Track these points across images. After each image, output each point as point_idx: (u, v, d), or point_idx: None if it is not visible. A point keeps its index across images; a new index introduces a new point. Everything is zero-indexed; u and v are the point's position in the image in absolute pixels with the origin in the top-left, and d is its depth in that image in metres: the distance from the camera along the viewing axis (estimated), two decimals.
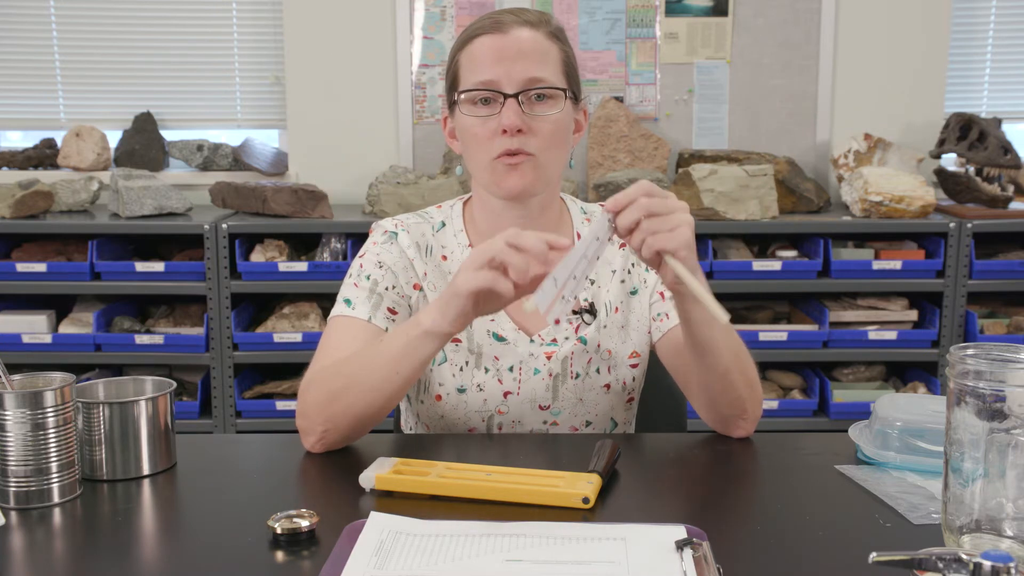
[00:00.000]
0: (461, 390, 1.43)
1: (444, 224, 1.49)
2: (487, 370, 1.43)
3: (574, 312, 1.46)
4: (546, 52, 1.39)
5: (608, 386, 1.46)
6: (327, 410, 1.29)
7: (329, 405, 1.29)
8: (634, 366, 1.49)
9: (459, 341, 1.44)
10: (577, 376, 1.45)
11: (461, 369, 1.43)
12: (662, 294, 1.48)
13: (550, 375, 1.44)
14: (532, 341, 1.44)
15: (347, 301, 1.42)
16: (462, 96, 1.39)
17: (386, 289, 1.42)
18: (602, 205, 1.40)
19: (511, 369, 1.43)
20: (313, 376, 1.33)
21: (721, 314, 1.10)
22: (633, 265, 1.50)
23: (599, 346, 1.46)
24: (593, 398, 1.46)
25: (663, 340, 1.48)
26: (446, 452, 1.34)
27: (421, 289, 1.45)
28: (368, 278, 1.43)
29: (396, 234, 1.46)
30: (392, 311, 1.42)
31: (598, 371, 1.46)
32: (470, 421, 1.44)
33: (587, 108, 1.49)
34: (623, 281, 1.49)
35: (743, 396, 1.35)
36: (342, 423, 1.29)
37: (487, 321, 1.44)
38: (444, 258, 1.47)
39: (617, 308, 1.48)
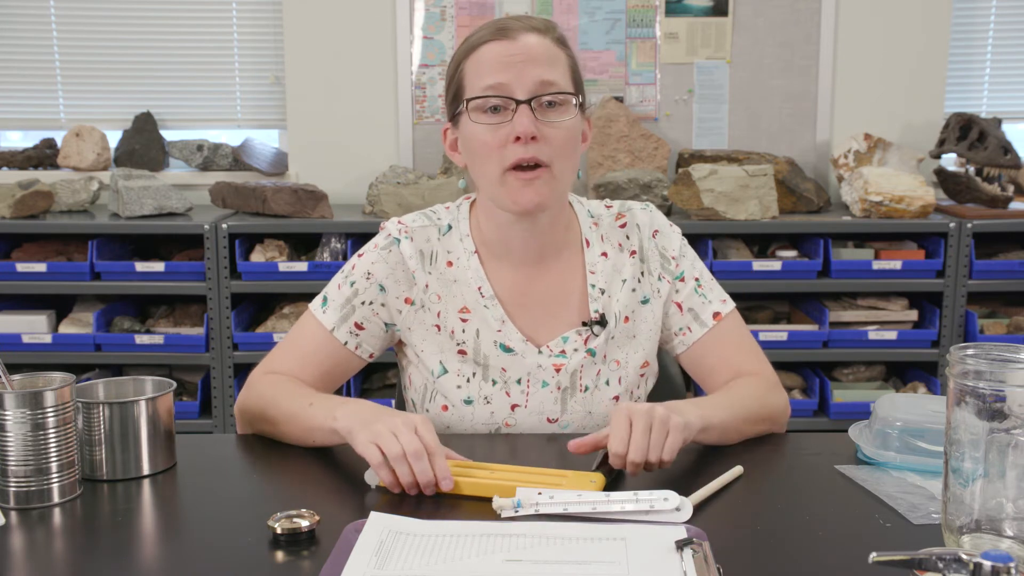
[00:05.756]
0: (468, 402, 1.42)
1: (451, 227, 1.46)
2: (495, 382, 1.41)
3: (583, 324, 1.44)
4: (555, 57, 1.36)
5: (617, 398, 1.44)
6: (255, 426, 1.39)
7: (256, 424, 1.39)
8: (643, 375, 1.48)
9: (465, 353, 1.42)
10: (586, 389, 1.43)
11: (468, 380, 1.42)
12: (679, 305, 1.47)
13: (558, 388, 1.42)
14: (540, 352, 1.42)
15: (324, 299, 1.45)
16: (470, 104, 1.34)
17: (362, 303, 1.42)
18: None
19: (519, 382, 1.42)
20: (260, 378, 1.41)
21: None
22: (643, 274, 1.47)
23: (606, 357, 1.44)
24: (602, 411, 1.44)
25: (688, 353, 1.48)
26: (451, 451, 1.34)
27: (413, 303, 1.43)
28: (352, 285, 1.44)
29: (399, 241, 1.43)
30: (359, 326, 1.43)
31: (607, 383, 1.44)
32: (476, 433, 1.43)
33: (590, 118, 1.47)
34: (633, 290, 1.46)
35: (765, 429, 1.40)
36: (266, 437, 1.39)
37: (493, 332, 1.42)
38: (449, 264, 1.44)
39: (627, 318, 1.45)
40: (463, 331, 1.42)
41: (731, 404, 1.35)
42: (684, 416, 1.22)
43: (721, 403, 1.35)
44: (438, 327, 1.43)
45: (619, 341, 1.45)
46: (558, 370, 1.42)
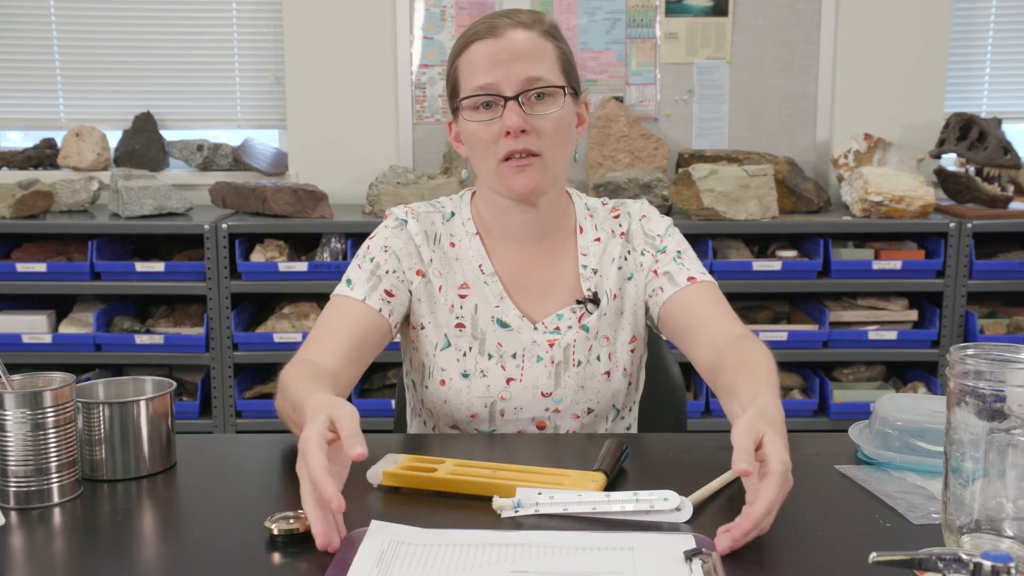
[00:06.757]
0: (465, 375, 1.46)
1: (454, 214, 1.54)
2: (491, 356, 1.46)
3: (578, 302, 1.48)
4: (542, 51, 1.41)
5: (608, 373, 1.49)
6: (279, 408, 1.34)
7: (288, 425, 1.33)
8: (633, 351, 1.52)
9: (463, 326, 1.47)
10: (579, 364, 1.47)
11: (465, 354, 1.46)
12: (656, 271, 1.51)
13: (552, 362, 1.46)
14: (536, 328, 1.47)
15: (348, 281, 1.47)
16: (464, 102, 1.42)
17: (387, 272, 1.47)
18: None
19: (514, 356, 1.46)
20: (284, 371, 1.34)
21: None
22: (629, 252, 1.53)
23: (598, 333, 1.48)
24: (595, 385, 1.48)
25: (662, 312, 1.49)
26: (452, 451, 1.34)
27: (424, 275, 1.49)
28: (371, 260, 1.48)
29: (406, 221, 1.52)
30: (389, 293, 1.46)
31: (599, 358, 1.48)
32: (472, 407, 1.46)
33: (588, 101, 1.52)
34: (620, 268, 1.52)
35: None
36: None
37: (491, 307, 1.47)
38: (452, 245, 1.51)
39: (615, 295, 1.51)
40: (461, 307, 1.48)
41: (774, 389, 1.26)
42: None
43: (775, 396, 1.23)
44: (440, 301, 1.49)
45: (609, 318, 1.50)
46: (552, 345, 1.46)
